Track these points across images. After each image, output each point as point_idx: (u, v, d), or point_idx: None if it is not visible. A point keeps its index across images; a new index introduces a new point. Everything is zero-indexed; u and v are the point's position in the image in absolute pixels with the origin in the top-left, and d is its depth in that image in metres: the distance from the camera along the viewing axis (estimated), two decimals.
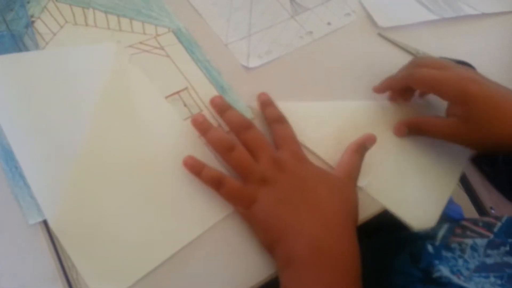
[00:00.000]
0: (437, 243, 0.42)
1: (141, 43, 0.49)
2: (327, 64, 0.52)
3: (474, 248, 0.39)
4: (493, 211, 0.78)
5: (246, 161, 0.41)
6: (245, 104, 0.47)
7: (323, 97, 0.49)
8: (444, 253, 0.40)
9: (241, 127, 0.43)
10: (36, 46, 0.46)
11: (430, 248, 0.42)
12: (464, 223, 0.42)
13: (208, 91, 0.47)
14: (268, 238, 0.38)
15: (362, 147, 0.44)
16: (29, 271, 0.35)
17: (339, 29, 0.56)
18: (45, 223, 0.37)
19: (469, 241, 0.39)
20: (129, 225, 0.38)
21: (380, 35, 0.56)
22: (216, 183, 0.40)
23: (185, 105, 0.46)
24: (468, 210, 0.78)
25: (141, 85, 0.46)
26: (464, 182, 0.83)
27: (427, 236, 0.43)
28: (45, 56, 0.45)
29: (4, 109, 0.41)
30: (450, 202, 0.68)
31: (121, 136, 0.43)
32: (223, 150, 0.41)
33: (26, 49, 0.45)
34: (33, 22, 0.47)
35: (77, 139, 0.41)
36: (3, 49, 0.45)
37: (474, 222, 0.42)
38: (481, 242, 0.38)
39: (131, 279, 0.36)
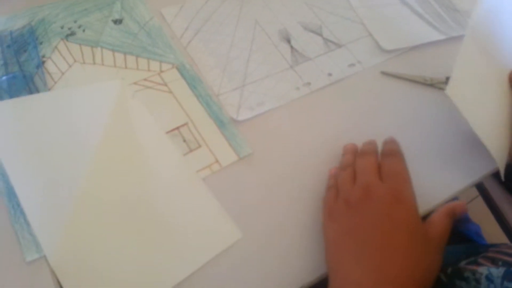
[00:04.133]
0: (449, 271, 0.40)
1: (145, 79, 0.51)
2: (324, 116, 0.51)
3: (489, 279, 0.36)
4: None
5: (344, 181, 0.41)
6: (243, 138, 0.48)
7: (318, 150, 0.48)
8: (458, 283, 0.38)
9: (363, 152, 0.44)
10: (45, 86, 0.48)
11: (442, 277, 0.40)
12: (491, 255, 0.40)
13: (207, 126, 0.48)
14: (328, 264, 0.38)
15: (453, 213, 0.40)
16: None
17: (340, 80, 0.53)
18: None
19: (483, 270, 0.37)
20: (126, 262, 0.39)
21: (383, 73, 0.55)
22: (327, 188, 0.44)
23: (184, 140, 0.47)
24: (492, 228, 0.74)
25: (143, 122, 0.48)
26: (487, 199, 0.80)
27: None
28: (51, 97, 0.47)
29: (8, 149, 0.43)
30: (467, 220, 0.65)
31: (121, 173, 0.44)
32: (340, 169, 0.44)
33: (35, 88, 0.48)
34: (43, 62, 0.50)
35: (78, 177, 0.43)
36: (15, 89, 0.47)
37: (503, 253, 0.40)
38: (496, 272, 0.36)
39: None
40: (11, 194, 0.41)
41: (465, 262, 0.40)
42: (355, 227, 0.37)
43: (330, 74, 0.54)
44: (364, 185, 0.39)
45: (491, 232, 0.72)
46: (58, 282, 0.37)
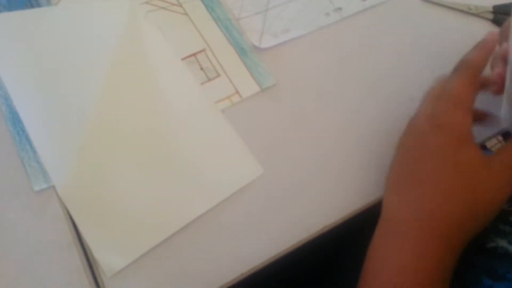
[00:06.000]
0: None
1: None
2: (356, 46, 0.46)
3: None
4: None
5: None
6: (266, 68, 0.43)
7: (347, 83, 0.44)
8: (502, 227, 0.36)
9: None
10: (48, 2, 0.43)
11: None
12: None
13: (227, 53, 0.44)
14: None
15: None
16: (44, 235, 0.35)
17: (375, 6, 0.48)
18: None
19: None
20: (139, 194, 0.37)
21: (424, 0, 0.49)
22: None
23: (201, 68, 0.43)
24: None
25: (156, 46, 0.43)
26: None
27: None
28: (56, 12, 0.43)
29: (10, 68, 0.39)
30: None
31: (133, 99, 0.41)
32: None
33: (38, 5, 0.43)
34: None
35: (87, 101, 0.39)
36: (14, 5, 0.43)
37: None
38: None
39: (138, 252, 0.35)
40: (15, 119, 0.38)
41: (507, 205, 0.37)
42: (399, 157, 0.35)
43: None
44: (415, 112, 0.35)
45: None
46: (68, 212, 0.35)
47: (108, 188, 0.36)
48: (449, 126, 0.33)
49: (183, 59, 0.43)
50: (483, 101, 0.37)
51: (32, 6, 0.43)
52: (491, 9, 0.48)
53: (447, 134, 0.33)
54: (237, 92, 0.42)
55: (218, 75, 0.43)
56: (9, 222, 0.35)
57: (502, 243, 0.35)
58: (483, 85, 0.37)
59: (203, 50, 0.44)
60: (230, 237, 0.36)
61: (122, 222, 0.35)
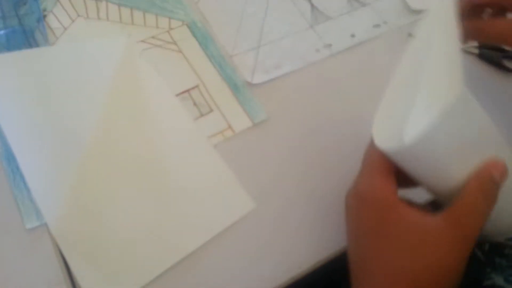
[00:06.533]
0: (487, 247, 0.37)
1: (153, 37, 0.47)
2: (346, 81, 0.47)
3: None
4: None
5: None
6: (258, 103, 0.44)
7: (338, 118, 0.45)
8: (498, 260, 0.36)
9: None
10: (46, 42, 0.45)
11: (479, 254, 0.37)
12: None
13: (220, 89, 0.45)
14: None
15: (489, 182, 0.28)
16: (35, 274, 0.35)
17: (364, 42, 0.49)
18: None
19: None
20: (132, 232, 0.37)
21: (411, 35, 0.50)
22: None
23: (194, 104, 0.44)
24: None
25: (151, 83, 0.44)
26: None
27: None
28: (55, 52, 0.44)
29: (5, 107, 0.40)
30: None
31: (128, 135, 0.41)
32: None
33: (36, 44, 0.44)
34: (44, 16, 0.46)
35: (83, 139, 0.40)
36: (14, 44, 0.44)
37: None
38: None
39: None
40: (10, 157, 0.38)
41: (503, 238, 0.38)
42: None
43: (353, 35, 0.49)
44: None
45: None
46: (60, 251, 0.35)
47: (101, 226, 0.36)
48: (370, 197, 0.30)
49: (177, 95, 0.44)
50: None
51: (30, 46, 0.44)
52: (476, 44, 0.49)
53: (370, 206, 0.30)
54: (230, 127, 0.43)
55: (211, 110, 0.44)
56: (7, 257, 0.35)
57: (499, 281, 0.34)
58: None
59: (197, 86, 0.45)
60: (221, 273, 0.36)
61: (114, 261, 0.35)
